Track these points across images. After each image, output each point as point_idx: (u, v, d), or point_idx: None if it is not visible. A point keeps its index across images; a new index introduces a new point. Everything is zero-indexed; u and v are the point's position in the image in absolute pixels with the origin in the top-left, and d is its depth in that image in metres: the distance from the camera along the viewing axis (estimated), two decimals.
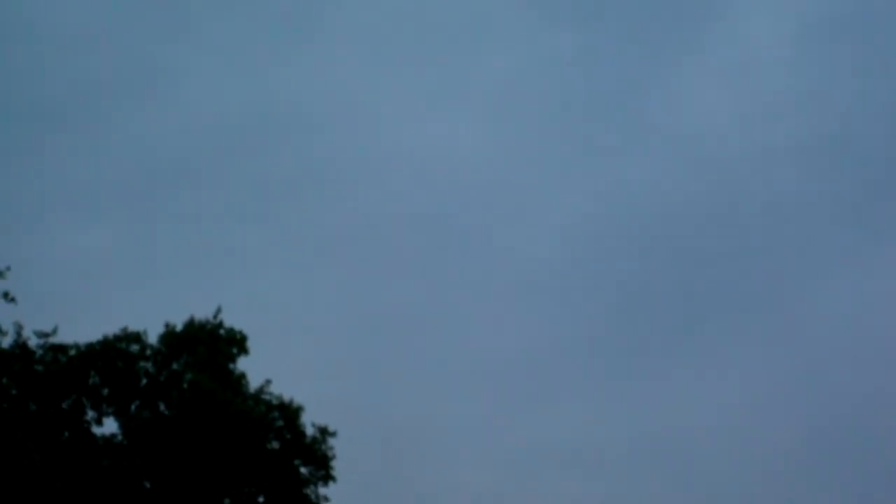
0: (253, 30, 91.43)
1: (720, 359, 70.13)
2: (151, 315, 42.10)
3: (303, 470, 39.33)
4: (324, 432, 39.35)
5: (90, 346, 39.55)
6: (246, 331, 41.23)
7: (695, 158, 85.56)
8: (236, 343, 40.49)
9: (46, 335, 39.24)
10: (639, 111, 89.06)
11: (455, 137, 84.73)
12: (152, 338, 40.36)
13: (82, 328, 41.46)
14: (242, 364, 40.65)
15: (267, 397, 39.62)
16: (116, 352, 39.77)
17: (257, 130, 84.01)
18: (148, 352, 40.16)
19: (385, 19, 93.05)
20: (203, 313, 41.11)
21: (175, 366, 40.14)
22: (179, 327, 40.46)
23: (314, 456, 39.21)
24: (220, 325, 40.61)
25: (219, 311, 40.76)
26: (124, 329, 40.22)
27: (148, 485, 37.46)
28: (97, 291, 59.09)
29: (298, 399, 39.75)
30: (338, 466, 39.52)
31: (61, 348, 39.29)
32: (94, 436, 38.80)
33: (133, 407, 39.53)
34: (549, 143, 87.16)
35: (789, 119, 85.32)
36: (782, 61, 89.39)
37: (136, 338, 40.21)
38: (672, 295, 75.39)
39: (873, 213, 79.38)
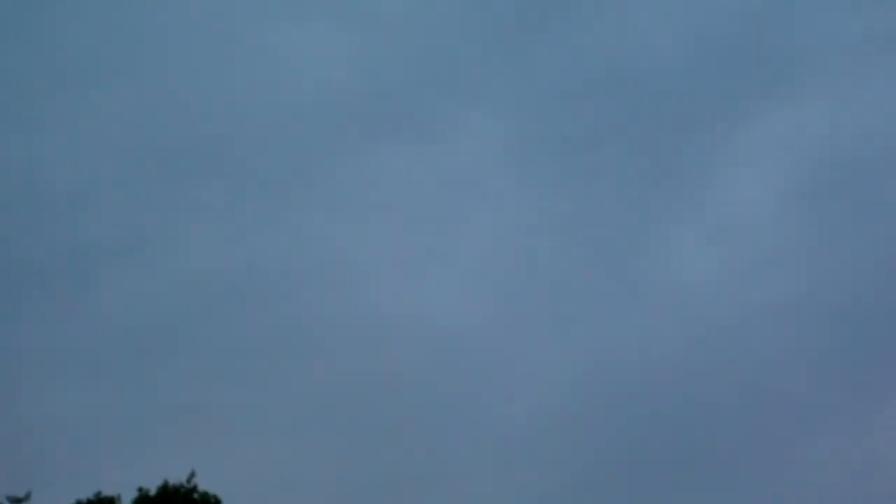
0: (242, 192, 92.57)
1: None
2: (131, 478, 41.65)
3: None
4: None
5: None
6: (226, 495, 41.02)
7: (684, 318, 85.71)
8: None
9: (19, 500, 38.72)
10: (628, 272, 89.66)
11: (445, 298, 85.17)
12: (126, 502, 39.89)
13: (57, 493, 40.81)
14: None
15: None
16: None
17: (245, 292, 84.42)
18: None
19: (373, 182, 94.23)
20: (185, 477, 40.88)
21: None
22: (153, 491, 39.93)
23: None
24: (195, 488, 40.12)
25: (192, 474, 40.31)
26: (98, 494, 39.77)
27: None
28: (75, 455, 58.51)
29: None
30: None
31: None
32: None
33: None
34: (539, 303, 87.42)
35: (779, 278, 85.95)
36: (770, 221, 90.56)
37: (111, 502, 39.68)
38: (661, 453, 74.88)
39: (865, 372, 79.23)
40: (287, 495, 61.10)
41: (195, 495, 40.21)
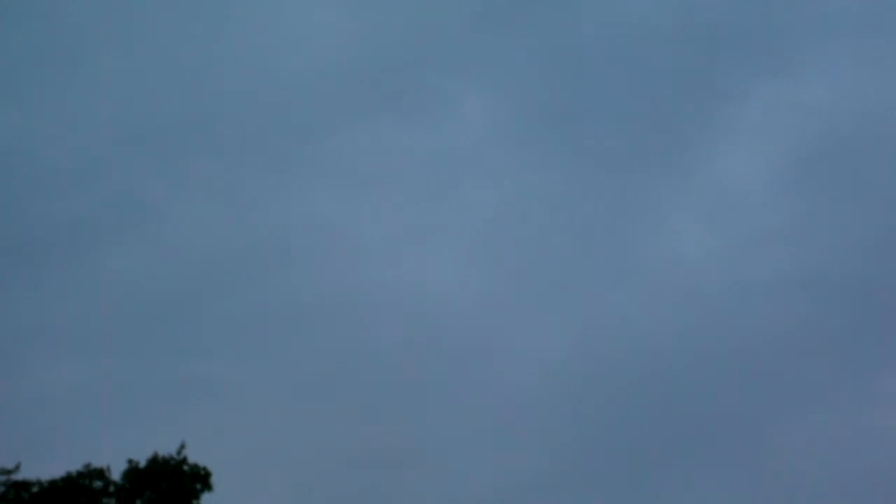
0: (238, 167, 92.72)
1: (705, 494, 69.48)
2: (124, 451, 42.05)
3: None
4: None
5: (53, 483, 39.41)
6: (216, 467, 41.45)
7: (678, 294, 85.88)
8: (200, 479, 40.36)
9: (9, 472, 39.16)
10: (623, 248, 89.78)
11: (437, 273, 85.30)
12: (116, 474, 40.30)
13: (48, 465, 41.20)
14: (207, 500, 40.63)
15: None
16: (80, 488, 39.62)
17: (239, 267, 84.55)
18: (111, 488, 40.01)
19: (369, 156, 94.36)
20: (175, 449, 41.31)
21: (139, 502, 39.92)
22: (143, 463, 40.34)
23: None
24: (184, 460, 40.55)
25: (183, 446, 40.76)
26: (87, 465, 40.18)
27: None
28: (68, 428, 58.93)
29: None
30: None
31: (24, 485, 39.17)
32: None
33: None
34: (531, 279, 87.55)
35: (773, 254, 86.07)
36: (765, 197, 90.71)
37: (100, 474, 40.12)
38: (655, 430, 74.99)
39: (861, 347, 79.46)
40: (276, 468, 61.55)
41: (185, 467, 40.60)
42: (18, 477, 39.13)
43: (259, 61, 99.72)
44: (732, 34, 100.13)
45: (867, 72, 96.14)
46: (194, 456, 41.47)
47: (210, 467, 41.25)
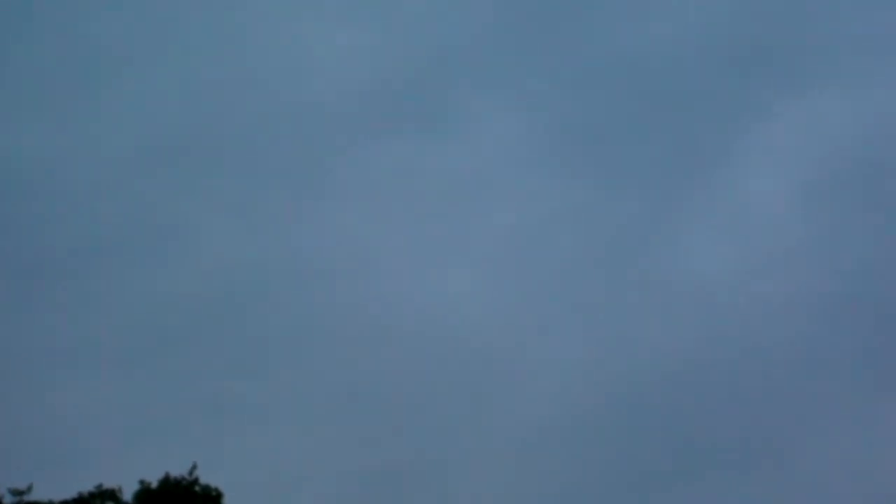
0: (260, 187, 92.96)
1: None
2: (139, 471, 42.20)
3: None
4: None
5: None
6: (231, 488, 41.63)
7: (698, 312, 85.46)
8: (212, 500, 40.47)
9: (21, 493, 39.33)
10: (643, 265, 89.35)
11: (457, 291, 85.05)
12: (128, 495, 40.46)
13: (60, 486, 41.44)
14: None
15: None
16: None
17: (261, 286, 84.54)
18: None
19: (391, 175, 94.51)
20: (187, 470, 41.54)
21: None
22: (155, 484, 40.48)
23: None
24: (196, 481, 40.65)
25: (194, 467, 40.86)
26: (99, 486, 40.37)
27: None
28: (83, 448, 59.02)
29: None
30: None
31: None
32: None
33: None
34: (551, 297, 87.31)
35: (792, 274, 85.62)
36: (786, 215, 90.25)
37: (112, 495, 40.30)
38: (674, 448, 74.72)
39: (878, 369, 78.96)
40: (293, 488, 61.56)
41: (196, 488, 40.70)
42: (30, 498, 39.28)
43: (281, 81, 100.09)
44: (756, 53, 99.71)
45: (888, 91, 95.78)
46: (208, 476, 41.75)
47: (222, 488, 41.46)
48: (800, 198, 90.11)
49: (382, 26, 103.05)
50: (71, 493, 40.07)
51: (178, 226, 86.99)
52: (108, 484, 40.57)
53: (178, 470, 41.29)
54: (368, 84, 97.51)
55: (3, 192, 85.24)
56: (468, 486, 67.72)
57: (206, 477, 41.66)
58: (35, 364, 71.22)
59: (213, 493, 40.72)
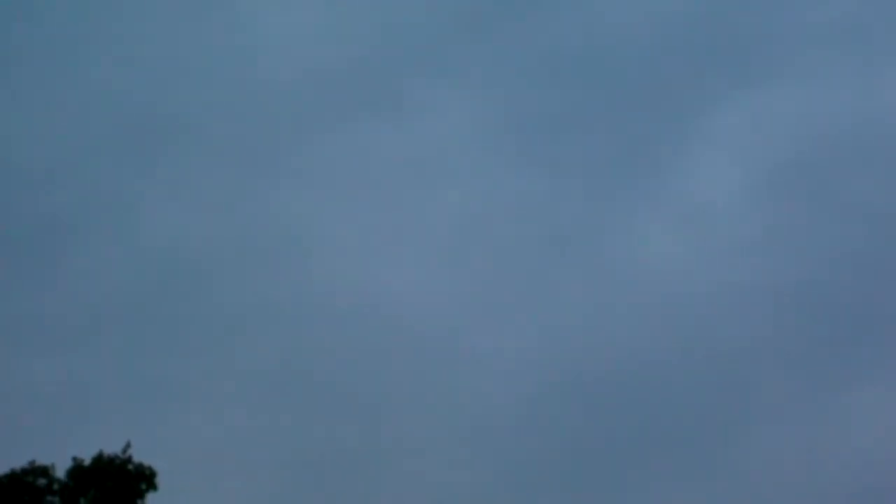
0: (212, 168, 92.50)
1: (675, 498, 69.43)
2: (73, 450, 41.76)
3: None
4: None
5: None
6: (166, 468, 41.30)
7: (649, 301, 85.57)
8: (145, 478, 40.22)
9: None
10: (594, 256, 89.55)
11: (408, 276, 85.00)
12: (61, 472, 40.09)
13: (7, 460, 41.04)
14: (152, 500, 40.44)
15: None
16: (23, 486, 39.53)
17: (210, 267, 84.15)
18: (55, 486, 39.84)
19: (344, 159, 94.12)
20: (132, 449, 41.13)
21: (82, 501, 39.77)
22: (88, 462, 40.11)
23: None
24: (129, 459, 40.41)
25: (128, 445, 40.57)
26: (32, 462, 40.07)
27: None
28: (20, 425, 58.42)
29: None
30: None
31: None
32: None
33: None
34: (503, 283, 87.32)
35: (744, 263, 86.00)
36: (736, 207, 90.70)
37: (44, 471, 40.00)
38: (625, 434, 74.80)
39: (828, 359, 79.40)
40: (233, 470, 61.24)
41: (129, 466, 40.45)
42: None
43: (236, 62, 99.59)
44: (708, 45, 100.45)
45: (841, 83, 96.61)
46: (143, 456, 41.43)
47: (157, 467, 41.11)
48: (751, 189, 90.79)
49: (337, 8, 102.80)
50: (3, 470, 39.59)
51: (125, 205, 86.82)
52: (42, 461, 40.13)
53: (112, 449, 40.95)
54: (325, 67, 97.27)
55: None
56: (417, 469, 67.54)
57: (142, 456, 41.45)
58: None
59: (147, 472, 40.47)
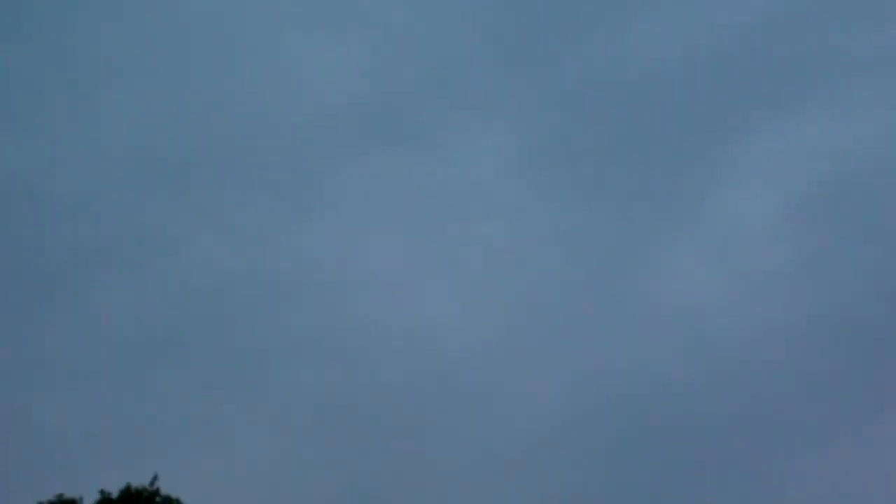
0: (247, 200, 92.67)
1: None
2: (102, 483, 41.82)
3: None
4: None
5: None
6: (194, 499, 41.30)
7: (683, 335, 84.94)
8: None
9: None
10: (629, 288, 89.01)
11: (442, 310, 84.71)
12: None
13: (20, 495, 41.12)
14: None
15: None
16: None
17: (245, 301, 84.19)
18: None
19: (379, 190, 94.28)
20: (165, 485, 41.24)
21: None
22: (115, 494, 40.09)
23: None
24: (157, 492, 40.28)
25: (155, 478, 40.51)
26: (60, 496, 40.02)
27: None
28: (53, 460, 58.61)
29: None
30: None
31: None
32: None
33: None
34: (536, 317, 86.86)
35: (778, 295, 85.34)
36: (772, 237, 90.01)
37: None
38: (660, 472, 74.22)
39: (863, 391, 78.68)
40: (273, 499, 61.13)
41: (158, 499, 40.35)
42: None
43: (271, 94, 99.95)
44: (741, 72, 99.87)
45: (875, 110, 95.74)
46: (175, 491, 41.44)
47: (185, 500, 41.09)
48: (785, 219, 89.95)
49: (373, 41, 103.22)
50: (30, 503, 39.65)
51: (166, 238, 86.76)
52: (69, 494, 40.17)
53: (141, 482, 40.98)
54: (359, 97, 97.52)
55: None
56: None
57: (171, 489, 41.44)
58: (8, 374, 70.77)
59: None
